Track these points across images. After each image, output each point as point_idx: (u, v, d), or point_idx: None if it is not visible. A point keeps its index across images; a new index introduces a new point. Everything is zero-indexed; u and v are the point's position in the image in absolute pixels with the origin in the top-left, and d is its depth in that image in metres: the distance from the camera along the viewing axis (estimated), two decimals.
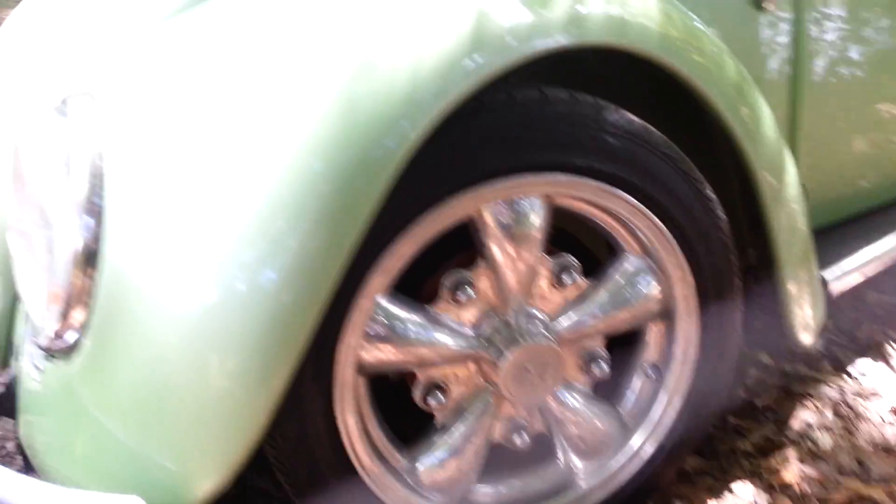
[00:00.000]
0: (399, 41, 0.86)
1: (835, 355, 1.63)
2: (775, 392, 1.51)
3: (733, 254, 1.12)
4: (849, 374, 1.57)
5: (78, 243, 0.87)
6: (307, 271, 0.81)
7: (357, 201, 0.82)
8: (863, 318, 1.73)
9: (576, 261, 1.07)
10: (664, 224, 1.05)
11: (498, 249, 0.99)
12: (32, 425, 1.10)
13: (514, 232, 0.99)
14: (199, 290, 0.81)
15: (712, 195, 1.09)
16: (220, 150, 0.85)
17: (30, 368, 1.02)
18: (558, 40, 0.91)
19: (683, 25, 1.04)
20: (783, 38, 1.35)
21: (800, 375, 1.56)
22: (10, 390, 1.21)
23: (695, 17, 1.08)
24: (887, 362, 1.60)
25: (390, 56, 0.85)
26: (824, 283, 1.33)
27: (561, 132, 0.96)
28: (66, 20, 1.25)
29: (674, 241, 1.06)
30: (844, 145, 1.55)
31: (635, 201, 1.02)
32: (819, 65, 1.40)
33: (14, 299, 1.18)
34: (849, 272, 1.42)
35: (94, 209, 0.87)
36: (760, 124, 1.12)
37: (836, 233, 1.55)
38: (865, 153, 1.58)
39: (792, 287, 1.18)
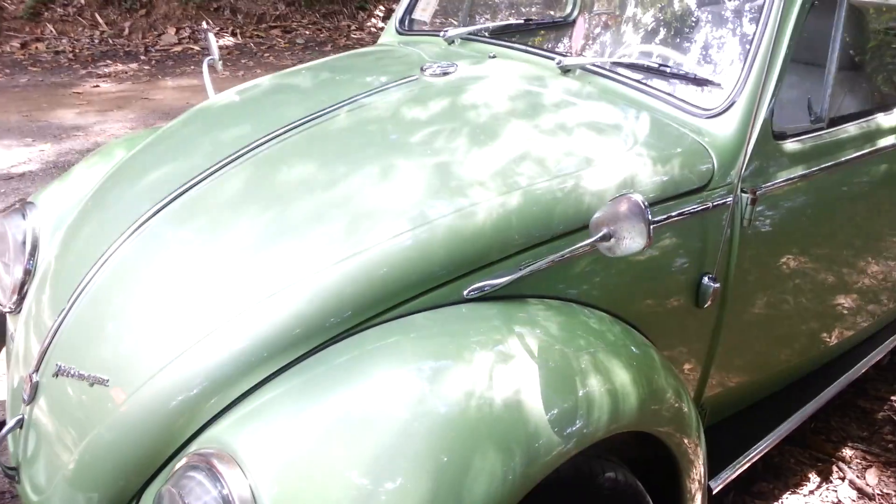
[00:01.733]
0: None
1: None
2: None
3: None
4: None
5: None
6: None
7: None
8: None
9: None
10: None
11: None
12: None
13: None
14: None
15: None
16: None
17: None
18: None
19: (665, 391, 1.39)
20: (709, 324, 1.76)
21: None
22: None
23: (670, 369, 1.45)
24: None
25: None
26: (710, 491, 1.63)
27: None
28: None
29: None
30: (747, 373, 1.95)
31: None
32: (730, 338, 1.81)
33: None
34: (732, 473, 1.74)
35: None
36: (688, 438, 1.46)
37: (725, 431, 1.89)
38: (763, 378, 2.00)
39: None
